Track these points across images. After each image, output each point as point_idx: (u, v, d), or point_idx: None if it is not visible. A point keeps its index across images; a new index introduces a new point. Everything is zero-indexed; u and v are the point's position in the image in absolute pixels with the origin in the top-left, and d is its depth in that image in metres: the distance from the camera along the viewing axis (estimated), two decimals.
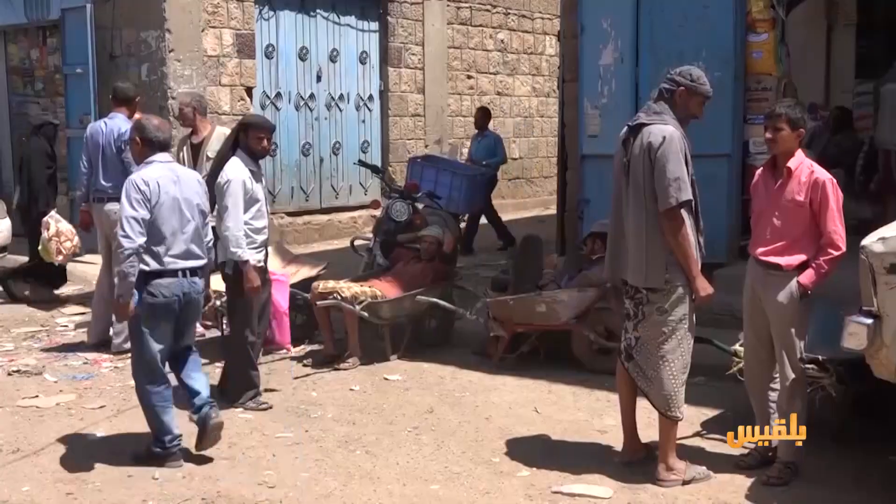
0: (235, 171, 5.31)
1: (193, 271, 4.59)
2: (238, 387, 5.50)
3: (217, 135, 7.25)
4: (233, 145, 5.45)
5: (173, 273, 4.50)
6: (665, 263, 4.14)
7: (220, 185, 5.30)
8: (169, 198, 4.50)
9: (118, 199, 6.59)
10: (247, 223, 5.32)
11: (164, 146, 4.65)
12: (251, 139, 5.38)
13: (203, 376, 4.80)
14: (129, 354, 6.57)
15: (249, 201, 5.34)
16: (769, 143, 4.26)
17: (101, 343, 6.78)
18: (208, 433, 4.60)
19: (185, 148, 7.33)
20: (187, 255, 4.56)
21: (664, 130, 4.12)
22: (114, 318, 6.69)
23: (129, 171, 6.44)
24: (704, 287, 4.18)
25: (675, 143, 4.10)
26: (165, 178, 4.53)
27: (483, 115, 11.26)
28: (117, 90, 7.08)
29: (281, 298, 6.03)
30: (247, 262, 5.25)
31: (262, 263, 5.45)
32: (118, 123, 6.77)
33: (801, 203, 4.18)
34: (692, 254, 4.14)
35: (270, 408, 5.45)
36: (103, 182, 6.78)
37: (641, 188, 4.16)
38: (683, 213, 4.11)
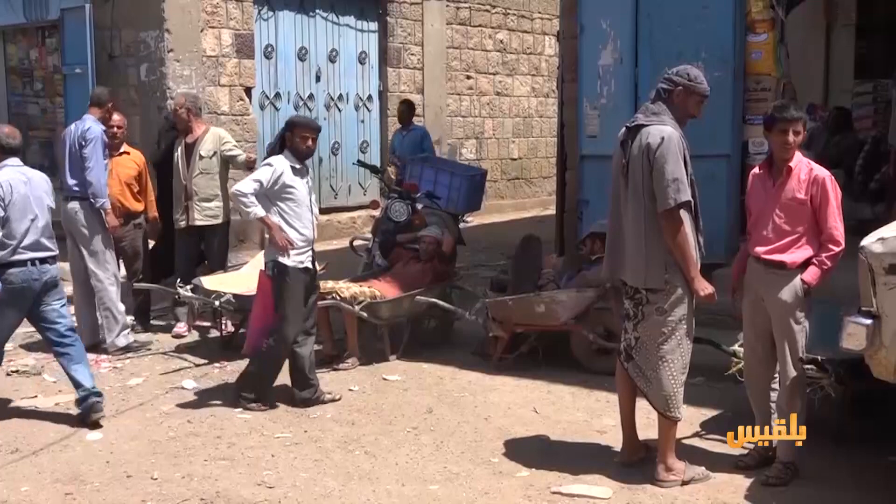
0: (278, 160, 5.43)
1: (43, 260, 5.19)
2: (247, 382, 5.52)
3: (210, 135, 7.25)
4: (280, 144, 5.54)
5: (23, 263, 5.10)
6: (664, 264, 4.15)
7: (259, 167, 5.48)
8: (20, 196, 5.12)
9: (80, 198, 6.60)
10: (283, 213, 5.39)
11: (14, 151, 5.27)
12: (297, 138, 5.46)
13: (85, 367, 5.32)
14: (127, 353, 6.61)
15: (280, 190, 5.37)
16: (787, 146, 4.20)
17: (94, 344, 6.76)
18: (87, 424, 5.16)
19: (179, 148, 7.33)
20: (37, 246, 5.17)
21: (663, 131, 4.12)
22: (115, 314, 6.70)
23: (87, 168, 6.57)
24: (704, 287, 4.18)
25: (673, 143, 4.10)
26: (16, 179, 5.17)
27: (407, 109, 10.45)
28: (92, 94, 7.17)
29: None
30: (261, 217, 5.32)
31: (304, 264, 5.46)
32: (85, 123, 6.77)
33: (802, 201, 4.19)
34: (691, 254, 4.14)
35: (274, 408, 5.46)
36: (70, 181, 6.77)
37: (640, 189, 4.15)
38: (682, 213, 4.11)
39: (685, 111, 4.24)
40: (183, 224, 7.24)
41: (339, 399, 5.62)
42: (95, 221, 6.72)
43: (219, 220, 7.24)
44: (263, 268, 5.55)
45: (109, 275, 6.76)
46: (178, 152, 7.31)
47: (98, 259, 6.76)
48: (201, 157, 7.16)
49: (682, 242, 4.10)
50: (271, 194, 5.37)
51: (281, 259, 5.36)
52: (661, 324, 4.20)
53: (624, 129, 4.31)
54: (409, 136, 10.16)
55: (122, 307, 6.81)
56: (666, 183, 4.06)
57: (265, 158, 5.62)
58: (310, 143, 5.47)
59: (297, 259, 5.40)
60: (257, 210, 5.30)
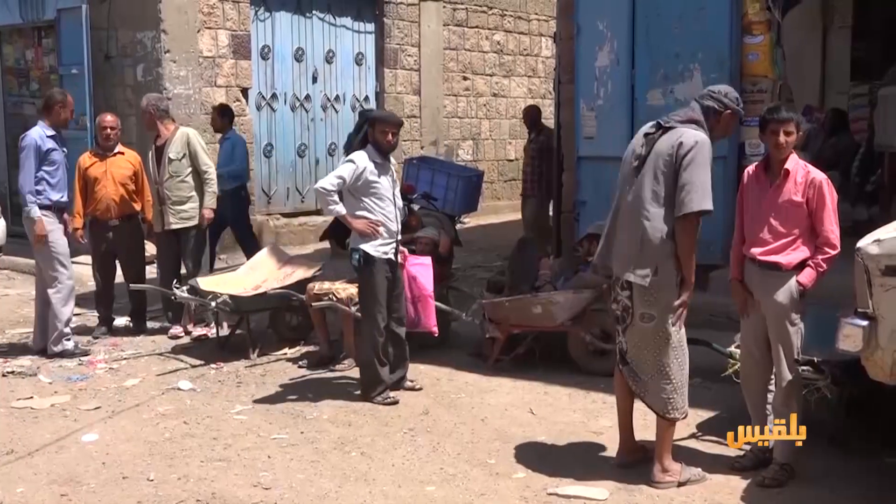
0: (360, 157, 5.50)
1: None
2: (368, 381, 5.59)
3: (179, 136, 7.16)
4: (363, 140, 5.65)
5: None
6: (656, 265, 4.10)
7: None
8: None
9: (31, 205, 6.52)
10: (367, 209, 5.46)
11: None
12: (377, 133, 5.53)
13: None
14: (61, 358, 6.55)
15: (364, 186, 5.45)
16: (779, 146, 4.21)
17: (43, 347, 6.74)
18: None
19: (150, 152, 7.29)
20: None
21: (697, 136, 4.12)
22: (55, 321, 6.58)
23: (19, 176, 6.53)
24: (687, 298, 4.17)
25: (706, 150, 4.09)
26: None
27: (220, 114, 8.87)
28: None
29: (425, 282, 6.02)
30: (343, 215, 5.42)
31: (387, 255, 5.55)
32: (31, 131, 6.70)
33: (798, 203, 4.19)
34: (693, 262, 4.14)
35: (396, 402, 5.52)
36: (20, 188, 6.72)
37: (661, 186, 4.10)
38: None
39: (724, 132, 4.29)
40: (159, 228, 7.23)
41: (420, 389, 5.78)
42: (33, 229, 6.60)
43: (194, 223, 7.19)
44: (350, 259, 5.62)
45: (56, 283, 6.61)
46: (150, 156, 7.27)
47: (44, 264, 6.67)
48: (170, 161, 7.09)
49: (693, 248, 4.11)
50: (355, 190, 5.46)
51: (366, 248, 5.46)
52: (652, 329, 4.17)
53: (655, 122, 4.27)
54: (223, 145, 8.77)
55: (63, 315, 6.62)
56: (693, 187, 4.04)
57: (345, 155, 5.72)
58: (390, 137, 5.54)
59: (381, 249, 5.50)
60: (339, 208, 5.41)
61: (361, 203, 5.49)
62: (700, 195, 4.04)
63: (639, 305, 4.17)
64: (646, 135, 4.26)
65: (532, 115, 10.15)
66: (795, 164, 4.26)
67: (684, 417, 4.36)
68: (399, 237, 5.71)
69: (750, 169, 4.46)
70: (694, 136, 4.10)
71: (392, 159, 5.72)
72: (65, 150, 6.78)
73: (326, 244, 8.39)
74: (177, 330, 7.24)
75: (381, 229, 5.50)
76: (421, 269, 6.05)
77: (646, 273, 4.11)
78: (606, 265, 4.36)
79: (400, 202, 5.75)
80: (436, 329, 6.13)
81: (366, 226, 5.46)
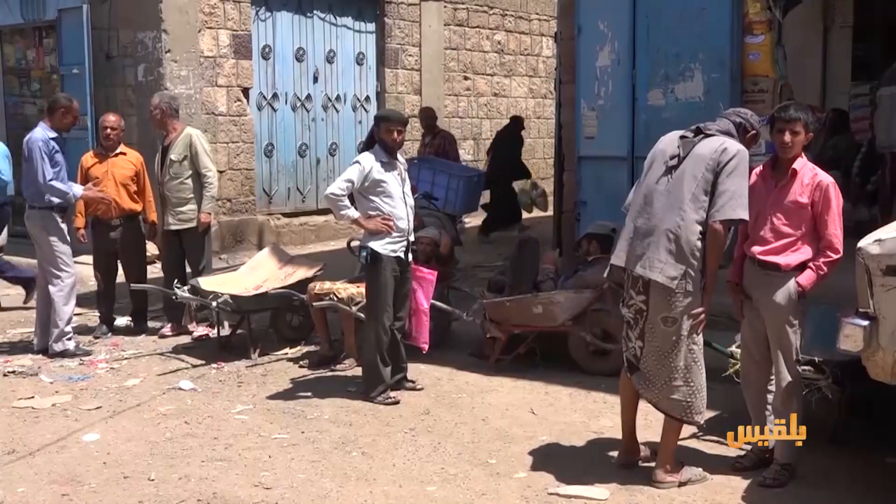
0: (365, 158, 5.56)
1: None
2: (369, 380, 5.61)
3: (182, 138, 7.13)
4: (370, 140, 5.69)
5: None
6: (685, 270, 4.10)
7: None
8: None
9: (30, 206, 6.61)
10: (378, 209, 5.50)
11: None
12: (382, 131, 5.57)
13: None
14: (63, 358, 6.55)
15: (372, 186, 5.49)
16: (783, 146, 4.22)
17: (44, 347, 6.74)
18: None
19: (158, 152, 7.28)
20: None
21: (739, 146, 4.16)
22: (56, 319, 6.59)
23: (34, 178, 6.51)
24: (707, 305, 4.17)
25: (746, 161, 4.13)
26: None
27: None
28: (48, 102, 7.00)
29: (423, 296, 5.99)
30: (355, 219, 5.49)
31: (396, 253, 5.56)
32: (32, 133, 6.67)
33: (803, 204, 4.18)
34: (717, 269, 4.14)
35: (398, 402, 5.52)
36: (24, 189, 6.74)
37: (699, 189, 4.10)
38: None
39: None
40: (162, 228, 7.24)
41: (421, 389, 5.79)
42: (42, 229, 6.59)
43: (194, 224, 7.17)
44: (359, 257, 5.68)
45: (58, 281, 6.61)
46: (157, 156, 7.27)
47: (49, 264, 6.66)
48: (171, 162, 7.09)
49: (720, 254, 4.12)
50: (364, 191, 5.50)
51: (374, 246, 5.49)
52: (674, 333, 4.14)
53: (695, 127, 4.28)
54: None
55: (65, 314, 6.61)
56: (733, 195, 4.06)
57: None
58: (395, 135, 5.56)
59: (390, 248, 5.52)
60: (350, 212, 5.46)
61: (372, 203, 5.51)
62: (738, 203, 4.06)
63: (661, 309, 4.14)
64: (682, 137, 4.26)
65: (428, 118, 10.13)
66: (804, 165, 4.25)
67: (703, 422, 4.34)
68: (411, 236, 5.72)
69: (758, 169, 4.46)
70: (737, 146, 4.15)
71: (401, 157, 5.73)
72: (64, 152, 6.77)
73: (324, 245, 8.39)
74: (166, 329, 7.23)
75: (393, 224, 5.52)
76: (423, 283, 6.02)
77: (675, 276, 4.09)
78: (622, 268, 4.30)
79: (411, 200, 5.75)
80: (426, 346, 6.04)
81: (378, 224, 5.48)
